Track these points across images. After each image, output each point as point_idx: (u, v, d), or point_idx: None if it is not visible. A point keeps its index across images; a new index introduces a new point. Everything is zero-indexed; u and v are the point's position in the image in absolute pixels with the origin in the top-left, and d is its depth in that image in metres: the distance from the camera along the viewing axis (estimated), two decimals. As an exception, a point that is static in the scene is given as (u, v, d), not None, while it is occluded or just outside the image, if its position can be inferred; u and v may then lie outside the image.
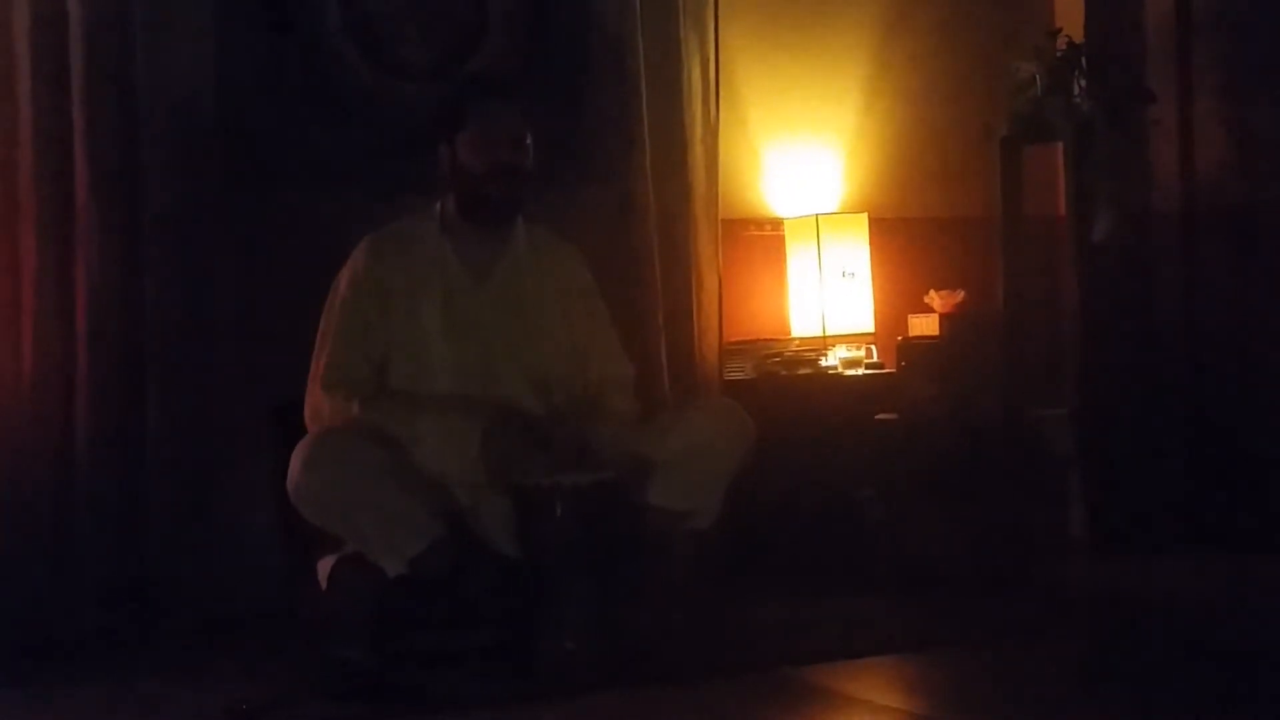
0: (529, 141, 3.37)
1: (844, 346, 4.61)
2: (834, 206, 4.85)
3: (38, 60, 3.68)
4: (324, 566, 3.23)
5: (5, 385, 3.68)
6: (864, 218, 4.75)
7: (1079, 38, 4.57)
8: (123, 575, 3.72)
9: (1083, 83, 4.45)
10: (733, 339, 4.57)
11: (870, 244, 4.71)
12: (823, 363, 4.56)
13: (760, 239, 4.78)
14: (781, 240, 4.76)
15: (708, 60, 4.45)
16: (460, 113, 3.36)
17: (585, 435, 3.30)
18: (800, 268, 4.69)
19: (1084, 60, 4.47)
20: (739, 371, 4.50)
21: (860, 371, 4.56)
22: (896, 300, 4.80)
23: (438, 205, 3.45)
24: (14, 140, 3.70)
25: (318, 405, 3.29)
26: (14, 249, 3.70)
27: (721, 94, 4.49)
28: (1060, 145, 4.60)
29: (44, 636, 3.61)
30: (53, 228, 3.70)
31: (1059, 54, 4.48)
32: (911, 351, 4.53)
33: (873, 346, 4.66)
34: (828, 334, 4.63)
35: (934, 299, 4.64)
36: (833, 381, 4.52)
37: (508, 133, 3.34)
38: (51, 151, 3.70)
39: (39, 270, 3.69)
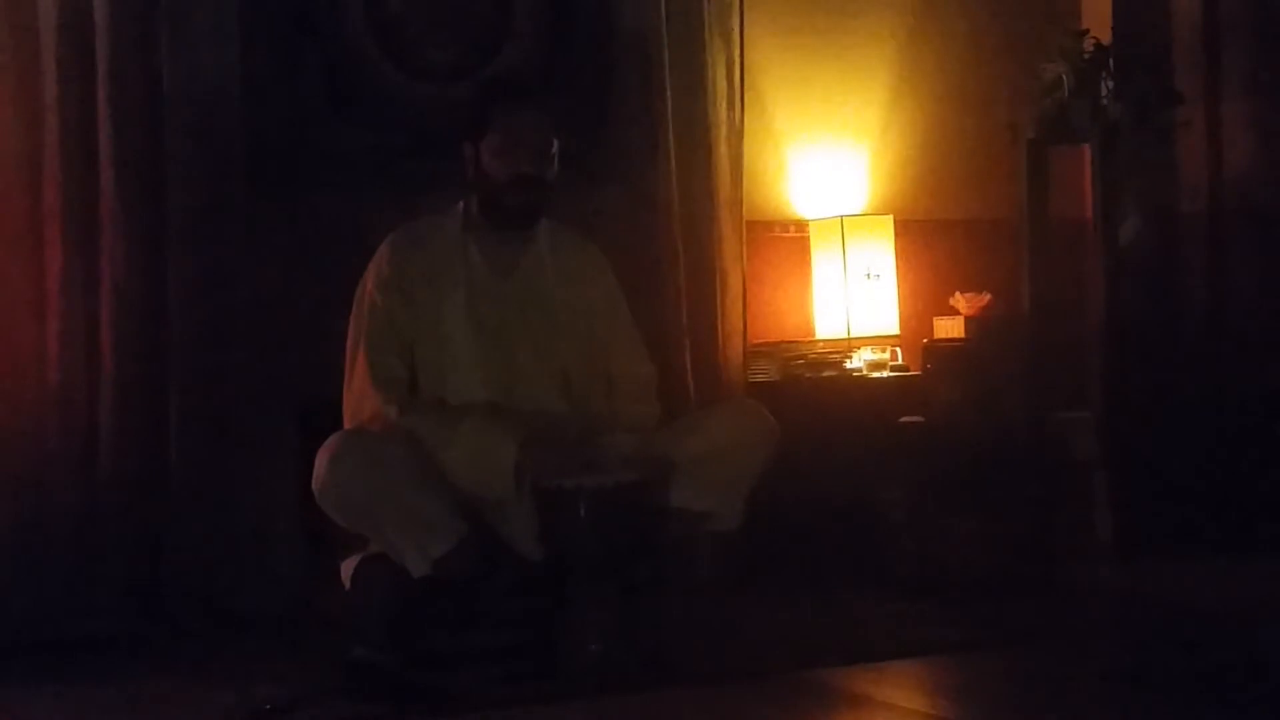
0: (554, 151, 3.36)
1: (869, 349, 4.59)
2: (859, 208, 4.84)
3: (63, 63, 3.69)
4: (347, 566, 3.24)
5: (30, 385, 3.69)
6: (889, 219, 4.73)
7: (1106, 39, 4.55)
8: (145, 574, 3.73)
9: (1110, 84, 4.43)
10: (757, 341, 4.56)
11: (895, 246, 4.70)
12: (847, 365, 4.55)
13: (785, 241, 4.77)
14: (806, 242, 4.75)
15: (732, 61, 4.44)
16: (486, 117, 3.36)
17: (612, 440, 3.30)
18: (825, 270, 4.68)
19: (1111, 61, 4.45)
20: (763, 373, 4.49)
21: (885, 374, 4.54)
22: (921, 303, 4.78)
23: (460, 204, 3.45)
24: (39, 141, 3.71)
25: (358, 404, 3.28)
26: (39, 249, 3.71)
27: (746, 95, 4.48)
28: (1087, 147, 4.58)
29: (65, 634, 3.62)
30: (77, 227, 3.71)
31: (1086, 55, 4.46)
32: (936, 354, 4.51)
33: (898, 349, 4.64)
34: (852, 336, 4.62)
35: (959, 301, 4.63)
36: (857, 384, 4.50)
37: (532, 142, 3.33)
38: (76, 153, 3.71)
39: (64, 270, 3.70)
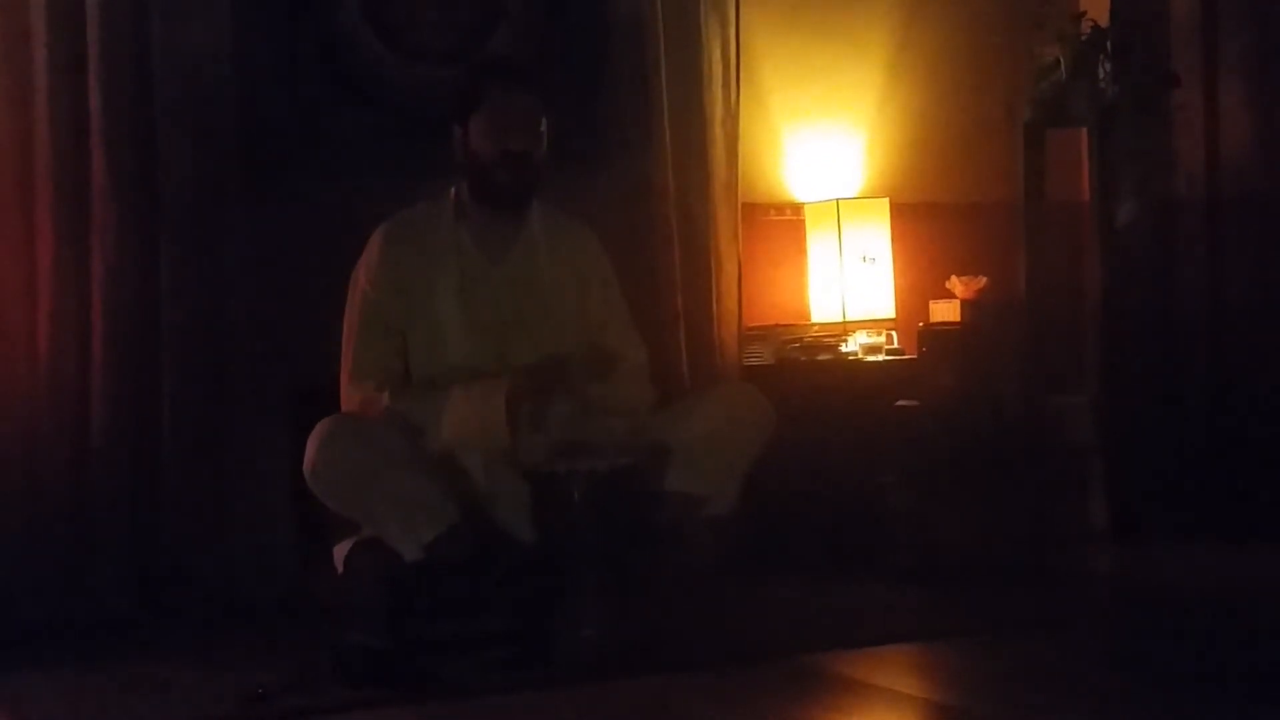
0: (543, 128, 3.35)
1: (864, 332, 4.58)
2: (855, 191, 4.82)
3: (54, 46, 3.66)
4: (340, 551, 3.23)
5: (21, 371, 3.67)
6: (885, 202, 4.72)
7: (1104, 21, 4.54)
8: (138, 559, 3.72)
9: (1107, 67, 4.42)
10: (752, 324, 4.55)
11: (891, 229, 4.68)
12: (843, 348, 4.54)
13: (780, 224, 4.76)
14: (802, 225, 4.73)
15: (728, 43, 4.42)
16: (474, 96, 3.35)
17: (605, 423, 3.29)
18: (821, 253, 4.66)
19: (1109, 44, 4.44)
20: (758, 357, 4.48)
21: (881, 358, 4.53)
22: (918, 286, 4.77)
23: (452, 189, 3.43)
24: (30, 126, 3.68)
25: (350, 399, 3.29)
26: (30, 233, 3.68)
27: (742, 77, 4.46)
28: (1084, 130, 4.56)
29: (59, 620, 3.61)
30: (69, 211, 3.68)
31: (1083, 38, 4.44)
32: (932, 338, 4.50)
33: (893, 332, 4.63)
34: (848, 319, 4.60)
35: (955, 285, 4.61)
36: (853, 367, 4.49)
37: (521, 119, 3.32)
38: (67, 138, 3.68)
39: (55, 255, 3.68)
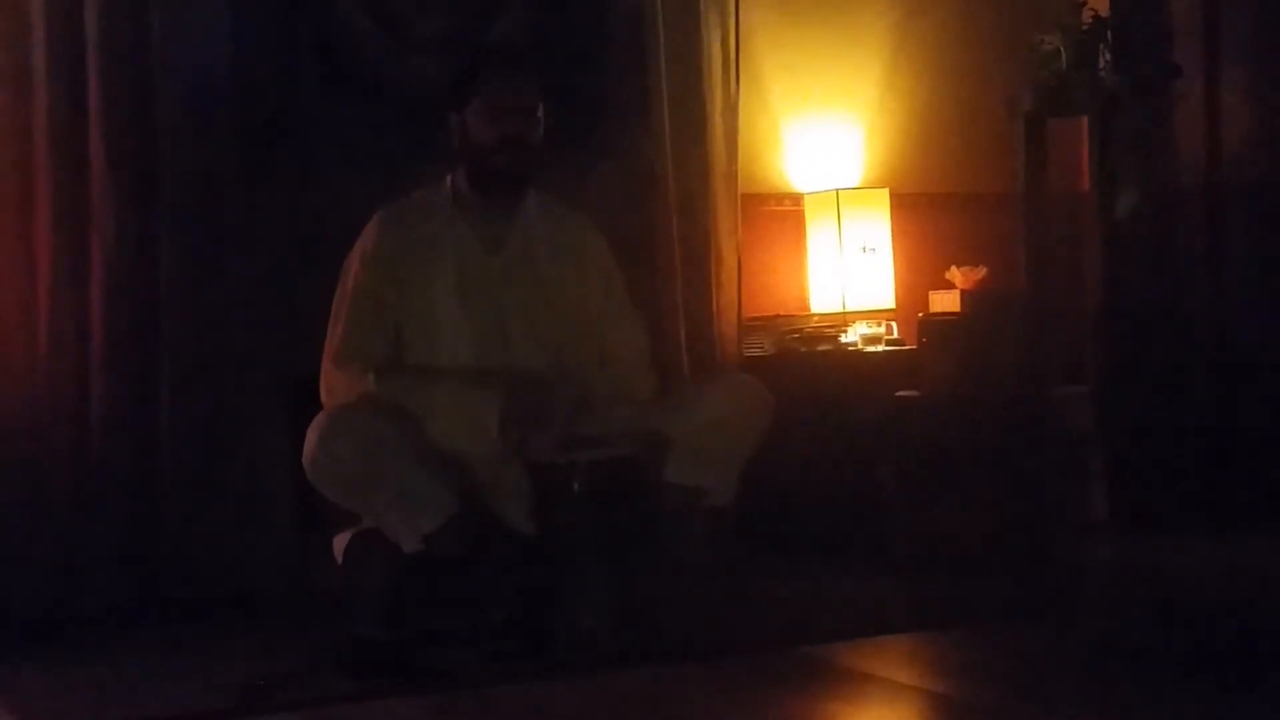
0: (540, 114, 3.35)
1: (864, 323, 4.58)
2: (855, 181, 4.82)
3: (53, 40, 3.66)
4: (340, 542, 3.23)
5: (20, 362, 3.66)
6: (885, 193, 4.71)
7: (1105, 11, 4.53)
8: (138, 550, 3.72)
9: (1108, 57, 4.41)
10: (752, 315, 4.54)
11: (891, 219, 4.68)
12: (842, 339, 4.53)
13: (780, 214, 4.75)
14: (802, 215, 4.73)
15: (728, 33, 4.41)
16: (471, 82, 3.34)
17: (587, 384, 3.28)
18: (820, 243, 4.66)
19: (1109, 34, 4.43)
20: (758, 348, 4.48)
21: (880, 348, 4.53)
22: (917, 276, 4.76)
23: (449, 178, 3.43)
24: (29, 120, 3.67)
25: (332, 380, 3.28)
26: (29, 223, 3.67)
27: (741, 67, 4.45)
28: (1085, 120, 4.55)
29: (60, 613, 3.61)
30: (68, 201, 3.68)
31: (1084, 27, 4.43)
32: (932, 328, 4.49)
33: (893, 323, 4.63)
34: (848, 310, 4.60)
35: (955, 275, 4.61)
36: (852, 358, 4.49)
37: (518, 104, 3.32)
38: (68, 126, 3.67)
39: (54, 244, 3.67)
